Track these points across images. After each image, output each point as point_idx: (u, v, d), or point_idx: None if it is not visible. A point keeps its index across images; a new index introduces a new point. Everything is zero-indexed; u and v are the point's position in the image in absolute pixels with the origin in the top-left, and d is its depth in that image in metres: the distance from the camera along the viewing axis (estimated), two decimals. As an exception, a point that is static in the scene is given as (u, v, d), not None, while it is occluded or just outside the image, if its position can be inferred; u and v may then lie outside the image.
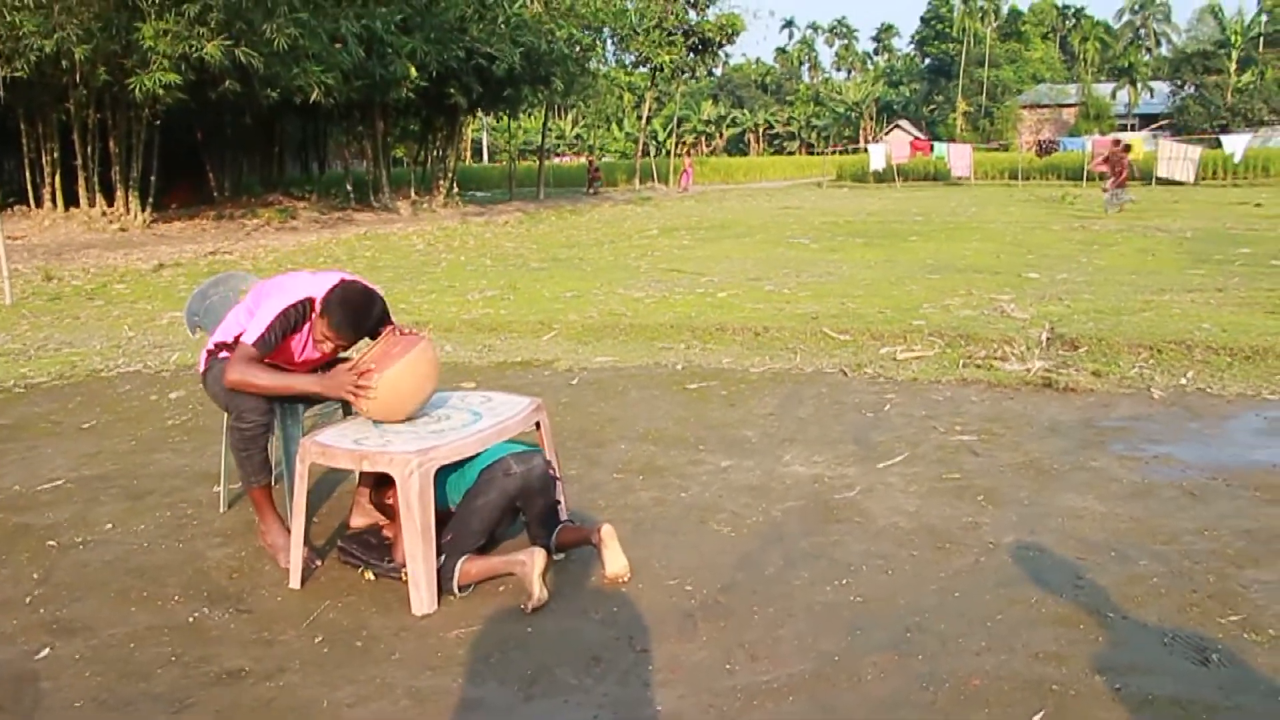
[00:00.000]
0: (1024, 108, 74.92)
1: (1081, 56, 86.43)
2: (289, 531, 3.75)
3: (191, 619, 3.41)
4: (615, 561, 3.59)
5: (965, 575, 3.61)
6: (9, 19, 16.37)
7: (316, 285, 3.82)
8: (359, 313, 3.71)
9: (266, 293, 3.90)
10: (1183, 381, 6.30)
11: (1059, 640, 3.11)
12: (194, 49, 17.35)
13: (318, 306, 3.77)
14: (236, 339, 3.91)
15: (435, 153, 33.45)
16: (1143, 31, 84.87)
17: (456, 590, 3.52)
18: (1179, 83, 69.63)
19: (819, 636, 3.18)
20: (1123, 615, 3.26)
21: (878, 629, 3.22)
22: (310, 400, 4.17)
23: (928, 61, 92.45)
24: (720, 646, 3.14)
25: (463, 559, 3.54)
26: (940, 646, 3.10)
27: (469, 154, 62.47)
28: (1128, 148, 21.88)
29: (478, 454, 3.64)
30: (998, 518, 4.15)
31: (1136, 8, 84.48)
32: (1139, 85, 76.10)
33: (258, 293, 4.02)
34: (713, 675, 2.97)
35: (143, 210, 22.23)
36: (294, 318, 3.78)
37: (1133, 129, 66.24)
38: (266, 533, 3.89)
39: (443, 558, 3.53)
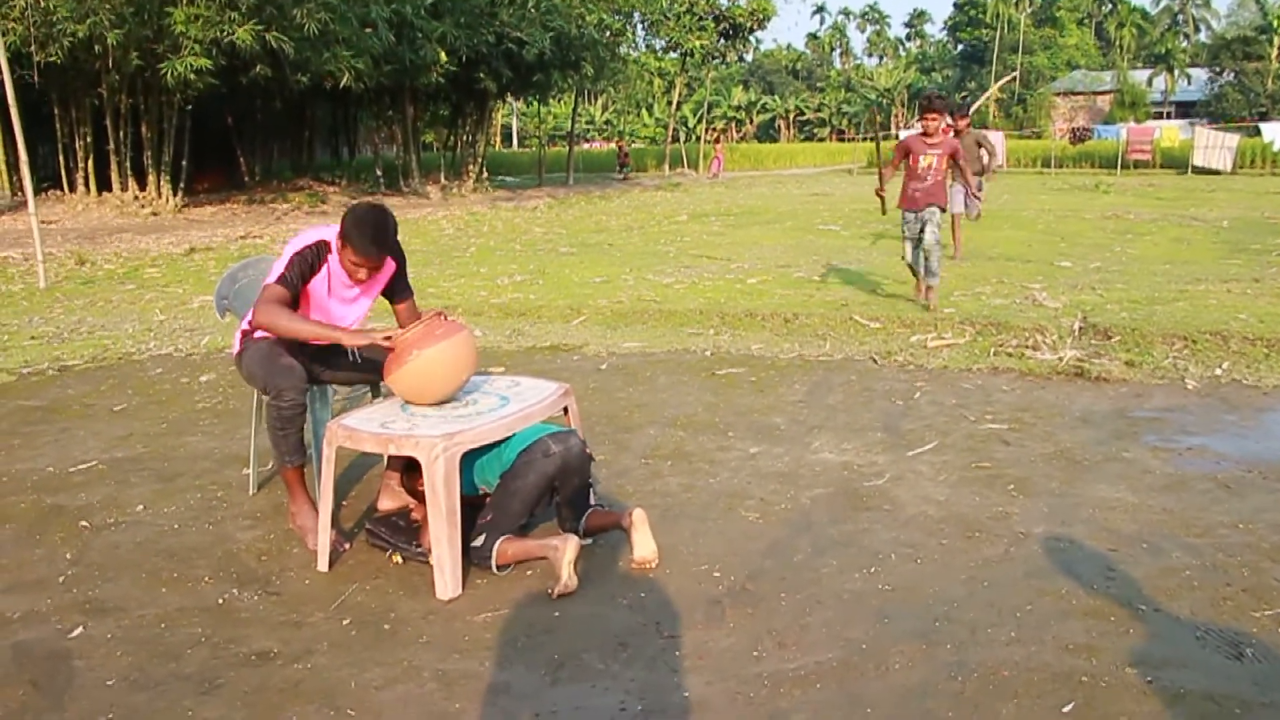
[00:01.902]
0: (1058, 95, 74.12)
1: (1117, 43, 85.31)
2: (319, 514, 3.77)
3: (221, 600, 3.44)
4: (644, 546, 3.59)
5: (995, 565, 3.59)
6: (43, 4, 16.48)
7: (327, 230, 3.90)
8: (376, 226, 3.76)
9: (285, 248, 3.93)
10: (1218, 372, 6.23)
11: (1090, 632, 3.08)
12: (225, 34, 17.41)
13: (334, 245, 3.84)
14: None
15: (465, 138, 33.45)
16: (1181, 17, 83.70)
17: (495, 569, 3.55)
18: (1218, 69, 68.58)
19: (847, 624, 3.17)
20: (1155, 608, 3.22)
21: (906, 618, 3.20)
22: (341, 377, 4.20)
23: (961, 48, 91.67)
24: (748, 633, 3.13)
25: (501, 539, 3.56)
26: (969, 636, 3.08)
27: (498, 139, 62.46)
28: (963, 110, 12.02)
29: (513, 436, 3.65)
30: (1028, 508, 4.12)
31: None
32: (1176, 72, 75.07)
33: (278, 261, 4.06)
34: (740, 662, 2.96)
35: (174, 195, 22.35)
36: (310, 258, 3.83)
37: (1169, 116, 65.46)
38: (297, 514, 3.91)
39: (482, 537, 3.56)
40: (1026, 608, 3.25)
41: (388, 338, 3.64)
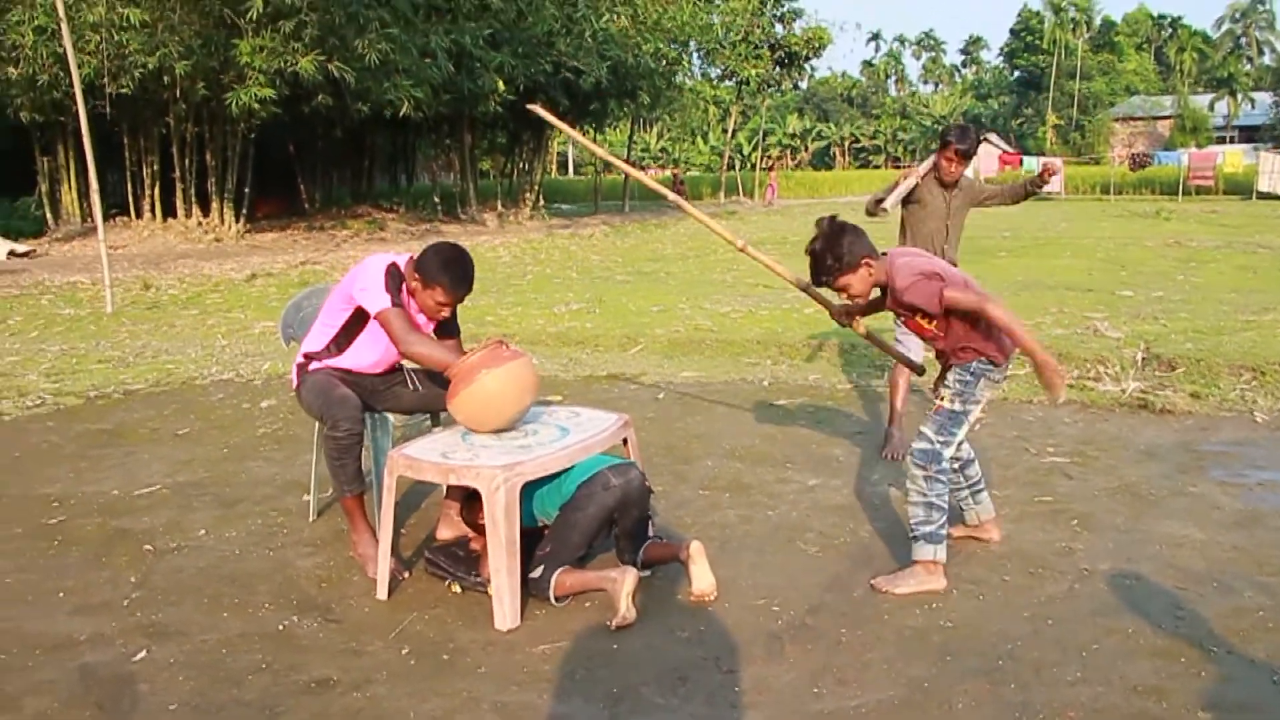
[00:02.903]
0: (1116, 120, 73.24)
1: (1177, 67, 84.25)
2: (379, 542, 3.80)
3: (281, 627, 3.46)
4: (702, 579, 3.57)
5: (1059, 602, 3.52)
6: (117, 39, 16.99)
7: (393, 256, 3.96)
8: (463, 264, 3.90)
9: (342, 286, 3.97)
10: (1288, 405, 6.09)
11: (1159, 673, 3.01)
12: (288, 64, 17.78)
13: (411, 280, 3.89)
14: (327, 346, 3.99)
15: (521, 165, 33.76)
16: (1244, 40, 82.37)
17: (554, 600, 3.55)
18: (1283, 93, 67.57)
19: (909, 662, 3.12)
20: (1227, 650, 3.14)
21: (969, 656, 3.15)
22: (399, 407, 4.24)
23: (1017, 74, 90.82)
24: (808, 669, 3.09)
25: (559, 570, 3.56)
26: (1034, 676, 3.02)
27: (554, 167, 62.97)
28: None
29: (573, 467, 3.66)
30: (1092, 544, 4.04)
31: (1237, 16, 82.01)
32: (1239, 96, 73.91)
33: (335, 292, 4.09)
34: (800, 698, 2.93)
35: (237, 221, 22.80)
36: (397, 277, 3.89)
37: (1232, 141, 64.45)
38: (358, 542, 3.94)
39: (541, 568, 3.56)
40: (1093, 647, 3.19)
41: (454, 371, 3.67)
